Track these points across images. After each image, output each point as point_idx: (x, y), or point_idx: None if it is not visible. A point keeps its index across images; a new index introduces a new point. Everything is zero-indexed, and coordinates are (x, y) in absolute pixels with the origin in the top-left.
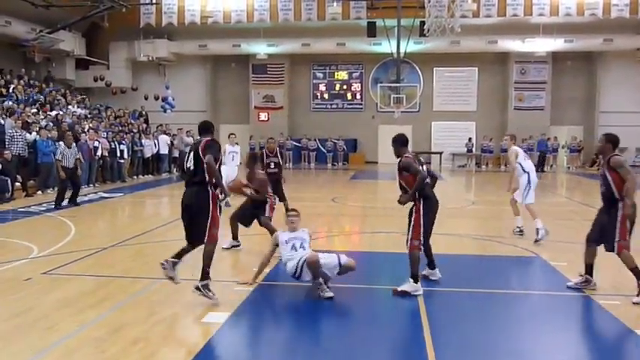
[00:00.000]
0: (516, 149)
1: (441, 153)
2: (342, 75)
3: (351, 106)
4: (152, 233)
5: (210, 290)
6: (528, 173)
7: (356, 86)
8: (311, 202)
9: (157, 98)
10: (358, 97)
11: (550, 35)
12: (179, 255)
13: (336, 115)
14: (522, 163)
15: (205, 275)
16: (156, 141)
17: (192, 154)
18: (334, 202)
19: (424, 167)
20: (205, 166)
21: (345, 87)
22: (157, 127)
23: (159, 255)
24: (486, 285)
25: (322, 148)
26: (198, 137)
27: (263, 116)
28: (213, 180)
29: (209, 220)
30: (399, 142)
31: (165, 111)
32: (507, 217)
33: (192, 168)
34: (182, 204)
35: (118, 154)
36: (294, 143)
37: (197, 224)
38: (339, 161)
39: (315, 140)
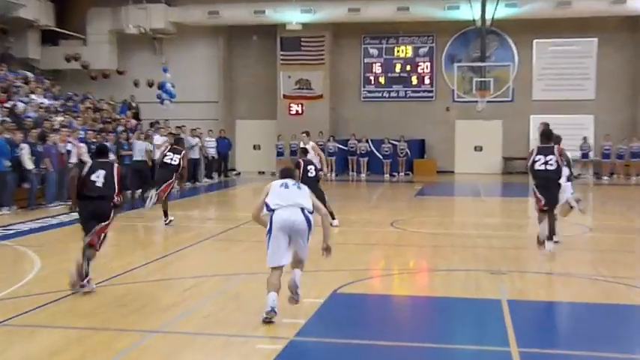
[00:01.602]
0: None
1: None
2: (405, 51)
3: (417, 95)
4: (144, 269)
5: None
6: None
7: (424, 67)
8: (362, 226)
9: (151, 85)
10: (427, 81)
11: None
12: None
13: (396, 107)
14: None
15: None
16: (149, 143)
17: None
18: (394, 227)
19: None
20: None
21: (408, 68)
22: (152, 125)
23: (153, 298)
24: (620, 348)
25: (377, 153)
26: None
27: (296, 108)
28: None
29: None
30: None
31: (162, 102)
32: None
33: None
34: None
35: None
36: (339, 146)
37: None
38: (401, 171)
39: (367, 142)
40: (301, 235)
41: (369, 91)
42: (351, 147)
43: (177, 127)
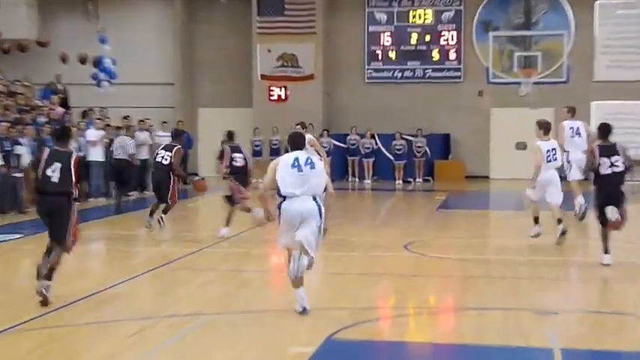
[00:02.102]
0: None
1: None
2: (424, 17)
3: (439, 75)
4: (74, 308)
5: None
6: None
7: (448, 37)
8: (366, 251)
9: (83, 61)
10: (452, 56)
11: None
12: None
13: (412, 92)
14: None
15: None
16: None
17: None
18: (408, 251)
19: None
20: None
21: (428, 39)
22: (84, 115)
23: (82, 349)
24: None
25: (386, 152)
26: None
27: (278, 93)
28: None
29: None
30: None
31: (99, 84)
32: None
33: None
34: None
35: (13, 163)
36: (335, 143)
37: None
38: (418, 176)
39: (372, 137)
40: (309, 220)
41: (376, 70)
42: (352, 144)
43: (124, 117)
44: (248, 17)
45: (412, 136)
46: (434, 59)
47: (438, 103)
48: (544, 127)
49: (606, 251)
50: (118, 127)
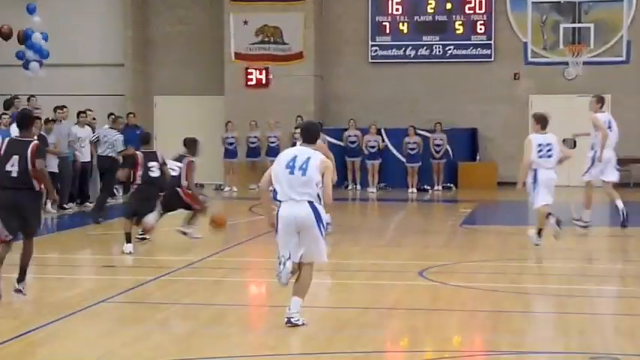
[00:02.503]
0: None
1: None
2: None
3: (463, 53)
4: None
5: None
6: None
7: (475, 4)
8: (370, 277)
9: (6, 36)
10: (480, 29)
11: None
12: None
13: (429, 75)
14: None
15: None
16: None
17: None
18: (425, 278)
19: None
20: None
21: (449, 6)
22: (7, 104)
23: None
24: None
25: (395, 152)
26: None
27: (257, 76)
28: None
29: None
30: None
31: (27, 66)
32: None
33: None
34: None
35: None
36: (330, 140)
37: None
38: (437, 182)
39: (378, 133)
40: (307, 229)
41: (382, 48)
42: (351, 142)
43: (58, 107)
44: None
45: (429, 131)
46: (457, 33)
47: (463, 89)
48: (542, 122)
49: None
50: (50, 120)
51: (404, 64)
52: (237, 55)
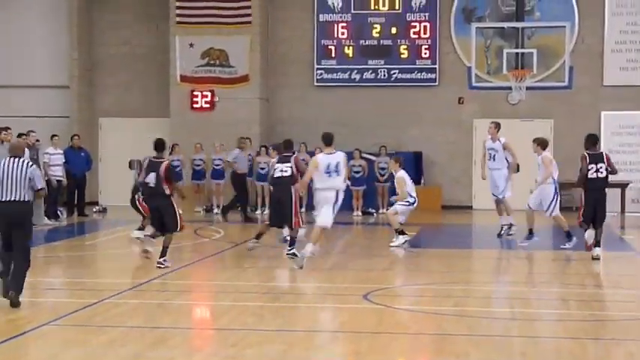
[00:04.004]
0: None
1: (624, 185)
2: (389, 3)
3: (408, 77)
4: None
5: None
6: None
7: (420, 29)
8: (313, 301)
9: None
10: (425, 54)
11: None
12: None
13: (374, 98)
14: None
15: None
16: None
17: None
18: (369, 301)
19: None
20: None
21: (394, 31)
22: None
23: None
24: None
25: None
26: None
27: (203, 99)
28: None
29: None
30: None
31: None
32: None
33: None
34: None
35: None
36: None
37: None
38: (382, 205)
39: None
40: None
41: (328, 71)
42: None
43: (2, 129)
44: (164, 2)
45: (374, 155)
46: (402, 57)
47: (408, 113)
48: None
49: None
50: None
51: (349, 88)
52: (183, 78)
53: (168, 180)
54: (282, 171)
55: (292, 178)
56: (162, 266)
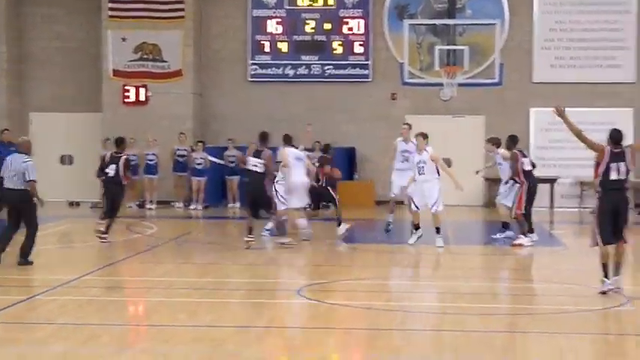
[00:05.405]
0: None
1: (553, 180)
2: None
3: (341, 73)
4: None
5: None
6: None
7: (353, 25)
8: (246, 296)
9: None
10: (359, 50)
11: None
12: None
13: (308, 93)
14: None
15: None
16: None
17: None
18: (302, 296)
19: None
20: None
21: (328, 27)
22: None
23: None
24: None
25: None
26: None
27: (134, 94)
28: None
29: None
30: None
31: None
32: None
33: None
34: None
35: None
36: (212, 159)
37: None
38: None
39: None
40: None
41: (262, 66)
42: (231, 161)
43: None
44: None
45: (308, 150)
46: (335, 53)
47: (341, 108)
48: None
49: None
50: None
51: (283, 83)
52: (116, 72)
53: (125, 171)
54: (254, 165)
55: (264, 173)
56: (103, 238)
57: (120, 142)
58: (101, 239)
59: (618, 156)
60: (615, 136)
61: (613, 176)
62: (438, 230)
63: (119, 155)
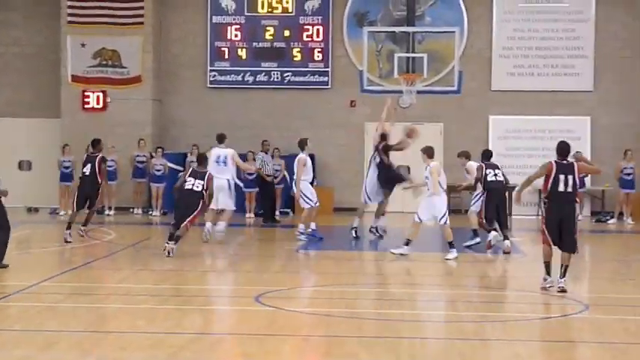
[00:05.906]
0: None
1: (510, 189)
2: (282, 6)
3: (301, 80)
4: None
5: None
6: None
7: (313, 32)
8: (206, 303)
9: None
10: (318, 57)
11: None
12: None
13: (267, 100)
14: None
15: None
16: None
17: None
18: (260, 303)
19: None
20: None
21: (287, 34)
22: None
23: None
24: None
25: (234, 178)
26: None
27: (95, 100)
28: None
29: None
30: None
31: None
32: None
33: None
34: None
35: None
36: (171, 166)
37: None
38: (275, 207)
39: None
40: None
41: (221, 73)
42: (190, 167)
43: None
44: (55, 1)
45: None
46: (295, 60)
47: (301, 115)
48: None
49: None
50: None
51: (243, 90)
52: (74, 78)
53: (100, 170)
54: (193, 185)
55: (201, 194)
56: (82, 233)
57: (96, 144)
58: (80, 234)
59: (566, 168)
60: (562, 148)
61: (561, 188)
62: (451, 244)
63: (95, 155)
